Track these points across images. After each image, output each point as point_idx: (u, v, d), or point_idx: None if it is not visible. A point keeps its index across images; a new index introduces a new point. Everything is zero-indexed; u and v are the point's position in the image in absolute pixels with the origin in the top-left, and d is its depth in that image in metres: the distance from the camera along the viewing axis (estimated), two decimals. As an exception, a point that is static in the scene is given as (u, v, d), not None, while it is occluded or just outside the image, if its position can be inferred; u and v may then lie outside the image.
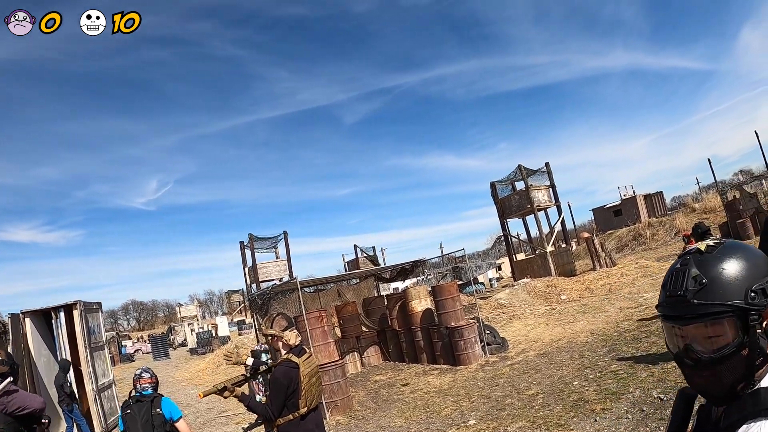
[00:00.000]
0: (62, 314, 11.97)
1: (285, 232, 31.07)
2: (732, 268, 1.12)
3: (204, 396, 4.29)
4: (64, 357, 11.33)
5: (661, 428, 5.60)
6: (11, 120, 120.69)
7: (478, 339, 12.75)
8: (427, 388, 10.96)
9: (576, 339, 12.00)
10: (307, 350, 4.55)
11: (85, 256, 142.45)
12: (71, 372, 10.97)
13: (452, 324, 12.87)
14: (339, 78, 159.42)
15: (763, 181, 31.52)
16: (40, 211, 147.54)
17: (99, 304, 13.51)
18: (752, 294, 1.09)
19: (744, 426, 1.06)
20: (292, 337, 4.42)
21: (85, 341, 11.73)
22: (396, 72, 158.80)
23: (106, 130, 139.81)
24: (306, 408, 4.25)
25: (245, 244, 30.50)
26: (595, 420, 6.46)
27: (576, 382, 8.42)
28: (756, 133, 35.52)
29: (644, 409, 6.35)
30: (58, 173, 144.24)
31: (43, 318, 12.15)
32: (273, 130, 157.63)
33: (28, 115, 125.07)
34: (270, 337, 4.62)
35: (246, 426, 10.81)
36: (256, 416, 4.42)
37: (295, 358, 4.30)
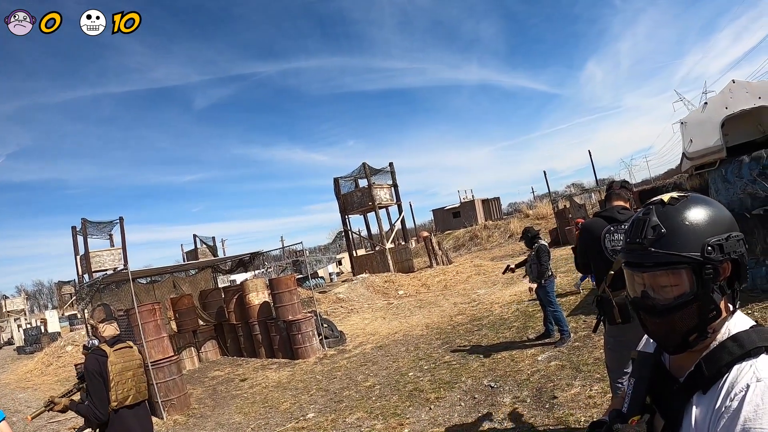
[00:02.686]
0: None
1: (121, 218, 28.72)
2: (692, 220, 1.13)
3: (33, 418, 4.17)
4: None
5: (493, 414, 5.88)
6: None
7: (315, 332, 12.64)
8: (266, 383, 10.63)
9: (412, 332, 12.38)
10: (128, 342, 4.34)
11: None
12: None
13: (290, 317, 12.63)
14: (195, 59, 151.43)
15: (593, 194, 35.36)
16: None
17: None
18: (709, 248, 1.10)
19: (736, 366, 1.07)
20: (107, 329, 4.27)
21: None
22: (255, 60, 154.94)
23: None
24: (117, 402, 4.01)
25: (78, 229, 27.81)
26: (430, 408, 6.64)
27: (411, 373, 8.63)
28: (589, 153, 40.03)
29: (476, 396, 6.65)
30: None
31: None
32: (119, 106, 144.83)
33: None
34: (91, 328, 4.39)
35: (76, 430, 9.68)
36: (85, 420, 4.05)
37: (105, 347, 4.12)
